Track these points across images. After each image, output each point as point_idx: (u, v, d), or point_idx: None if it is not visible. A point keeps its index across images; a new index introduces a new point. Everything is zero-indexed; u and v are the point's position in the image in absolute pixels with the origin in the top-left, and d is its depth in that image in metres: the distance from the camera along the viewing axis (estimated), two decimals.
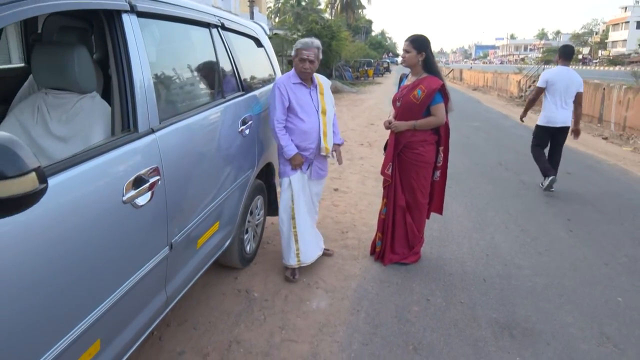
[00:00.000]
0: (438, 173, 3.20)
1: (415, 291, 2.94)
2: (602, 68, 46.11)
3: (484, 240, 3.80)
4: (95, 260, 1.38)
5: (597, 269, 3.31)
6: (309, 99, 2.89)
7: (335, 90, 20.01)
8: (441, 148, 3.13)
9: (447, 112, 3.05)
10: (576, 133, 5.25)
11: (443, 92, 2.98)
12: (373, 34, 67.77)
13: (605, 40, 72.30)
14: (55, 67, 1.70)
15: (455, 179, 5.71)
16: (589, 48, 74.21)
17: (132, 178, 1.52)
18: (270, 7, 42.18)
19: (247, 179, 2.77)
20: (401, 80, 3.27)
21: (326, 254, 3.35)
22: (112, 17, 1.62)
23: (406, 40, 3.03)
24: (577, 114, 5.07)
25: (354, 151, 7.46)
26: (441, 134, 3.10)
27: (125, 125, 1.63)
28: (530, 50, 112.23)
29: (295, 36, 23.25)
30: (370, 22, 62.31)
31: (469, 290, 2.97)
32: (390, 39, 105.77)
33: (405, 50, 3.02)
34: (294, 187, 2.95)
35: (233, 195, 2.58)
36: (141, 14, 1.75)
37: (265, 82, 3.30)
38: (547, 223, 4.23)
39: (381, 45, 57.88)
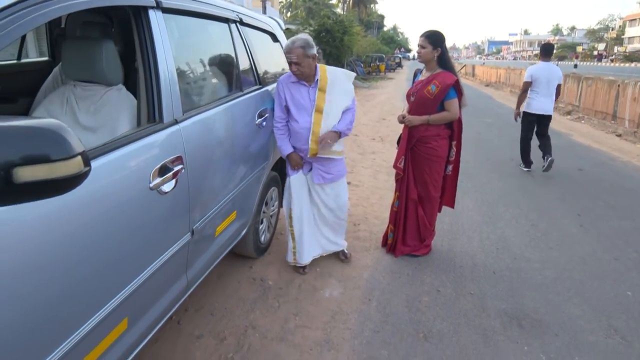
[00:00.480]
0: (450, 167, 3.25)
1: (426, 282, 3.00)
2: (613, 64, 45.32)
3: (494, 234, 3.84)
4: (125, 243, 1.46)
5: (606, 263, 3.34)
6: (305, 98, 2.75)
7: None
8: (454, 142, 3.17)
9: (460, 107, 3.09)
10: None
11: (457, 88, 3.02)
12: (385, 29, 67.42)
13: (622, 36, 71.12)
14: (84, 61, 1.78)
15: (467, 174, 5.74)
16: (604, 44, 73.08)
17: (158, 166, 1.60)
18: (282, 2, 42.16)
19: (263, 170, 2.85)
20: (415, 75, 3.31)
21: (342, 259, 3.26)
22: (139, 13, 1.70)
23: (422, 36, 3.07)
24: (554, 99, 5.89)
25: (366, 146, 7.51)
26: (454, 129, 3.14)
27: (151, 116, 1.71)
28: None
29: (307, 31, 23.29)
30: (382, 17, 62.00)
31: (478, 282, 3.02)
32: (402, 34, 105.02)
33: (421, 46, 3.06)
34: (292, 188, 2.94)
35: (250, 186, 2.66)
36: (166, 10, 1.82)
37: (280, 76, 3.36)
38: (558, 218, 4.25)
39: (393, 41, 57.59)
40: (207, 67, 2.43)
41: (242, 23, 2.72)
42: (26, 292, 1.11)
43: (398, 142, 3.35)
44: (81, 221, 1.27)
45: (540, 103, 5.76)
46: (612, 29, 77.79)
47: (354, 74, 2.94)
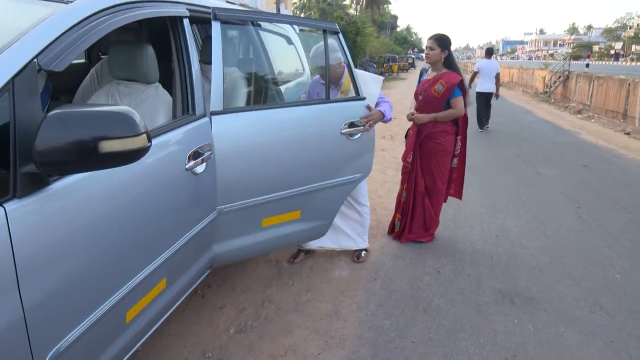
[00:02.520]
0: (456, 160, 3.51)
1: (428, 265, 3.26)
2: (632, 64, 44.71)
3: (495, 224, 4.07)
4: (167, 213, 1.76)
5: (600, 250, 3.56)
6: None
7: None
8: (459, 138, 3.44)
9: (466, 105, 3.37)
10: (496, 96, 8.91)
11: (462, 87, 3.29)
12: (399, 29, 67.47)
13: None
14: (128, 62, 2.09)
15: (473, 169, 5.97)
16: (622, 43, 72.03)
17: (193, 151, 1.89)
18: (295, 4, 42.58)
19: (354, 181, 2.84)
20: (421, 75, 3.59)
21: (355, 261, 3.25)
22: (175, 22, 2.00)
23: (431, 39, 3.34)
24: (497, 86, 8.76)
25: (377, 143, 7.75)
26: (460, 125, 3.41)
27: (186, 109, 2.00)
28: (560, 46, 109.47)
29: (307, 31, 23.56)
30: (395, 17, 62.10)
31: (476, 265, 3.27)
32: (416, 34, 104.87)
33: (430, 48, 3.33)
34: None
35: (330, 192, 2.69)
36: (196, 20, 2.12)
37: (295, 76, 3.66)
38: (558, 210, 4.47)
39: (406, 41, 57.68)
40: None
41: (261, 28, 3.01)
42: (97, 242, 1.41)
43: (406, 137, 3.64)
44: (136, 191, 1.57)
45: (484, 85, 8.83)
46: (630, 28, 76.59)
47: (381, 79, 3.06)
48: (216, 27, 2.11)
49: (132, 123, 1.18)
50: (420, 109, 3.45)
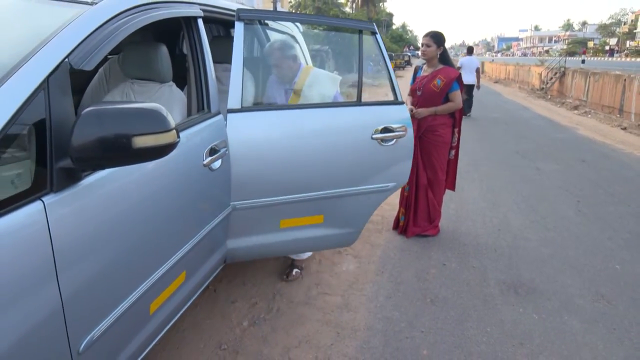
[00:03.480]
0: (453, 152, 3.60)
1: (433, 258, 3.33)
2: (627, 59, 44.97)
3: (497, 217, 4.15)
4: (187, 206, 1.82)
5: (600, 242, 3.64)
6: (282, 98, 2.77)
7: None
8: (456, 130, 3.54)
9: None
10: (477, 87, 10.30)
11: (459, 81, 3.42)
12: (394, 27, 67.53)
13: (634, 31, 70.39)
14: (143, 61, 2.14)
15: (474, 165, 6.05)
16: (616, 39, 72.39)
17: (209, 147, 1.95)
18: (291, 2, 42.56)
19: (386, 189, 2.65)
20: (416, 72, 3.70)
21: (284, 279, 2.99)
22: (190, 22, 2.05)
23: (426, 36, 3.44)
24: (477, 78, 10.16)
25: None
26: (456, 117, 3.52)
27: (201, 107, 2.06)
28: (555, 42, 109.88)
29: (316, 31, 23.64)
30: (391, 15, 62.16)
31: (480, 257, 3.34)
32: (411, 32, 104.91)
33: (427, 45, 3.42)
34: None
35: (358, 200, 2.56)
36: (209, 20, 2.18)
37: None
38: (558, 204, 4.55)
39: (402, 39, 57.72)
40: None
41: (268, 27, 3.06)
42: (125, 234, 1.47)
43: None
44: (160, 185, 1.63)
45: (466, 78, 9.55)
46: (624, 24, 77.00)
47: (339, 78, 2.85)
48: (239, 27, 2.16)
49: (163, 119, 1.24)
50: (418, 103, 3.53)
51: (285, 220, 2.42)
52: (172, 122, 1.27)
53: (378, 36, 2.58)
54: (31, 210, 1.14)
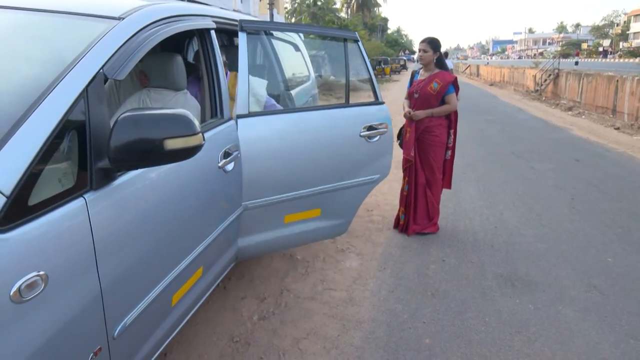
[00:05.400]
0: (449, 152, 3.76)
1: (433, 254, 3.47)
2: (619, 60, 45.41)
3: (493, 216, 4.29)
4: (204, 205, 1.95)
5: (593, 237, 3.79)
6: None
7: (353, 89, 20.49)
8: (451, 131, 3.69)
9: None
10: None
11: (455, 84, 3.60)
12: (389, 31, 67.98)
13: (627, 32, 71.03)
14: (159, 70, 2.28)
15: (471, 166, 6.21)
16: (609, 40, 73.02)
17: (224, 150, 2.08)
18: (287, 8, 42.85)
19: (372, 181, 2.92)
20: (413, 76, 3.86)
21: None
22: (203, 33, 2.20)
23: (423, 42, 3.61)
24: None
25: None
26: (452, 119, 3.68)
27: (214, 113, 2.20)
28: (549, 44, 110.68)
29: (311, 36, 23.87)
30: (386, 19, 62.58)
31: (478, 253, 3.48)
32: (406, 36, 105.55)
33: (424, 50, 3.59)
34: None
35: (349, 192, 2.80)
36: (221, 31, 2.32)
37: (302, 80, 3.87)
38: (552, 201, 4.70)
39: (397, 43, 58.12)
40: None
41: (272, 36, 3.22)
42: (153, 229, 1.60)
43: (398, 136, 3.89)
44: (181, 185, 1.76)
45: None
46: (617, 25, 77.68)
47: (265, 82, 2.94)
48: (242, 37, 2.31)
49: (191, 124, 1.38)
50: (416, 106, 3.69)
51: (289, 215, 2.60)
52: (199, 126, 1.40)
53: (360, 43, 2.86)
54: (75, 206, 1.27)
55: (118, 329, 1.46)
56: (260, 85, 2.89)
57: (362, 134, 2.73)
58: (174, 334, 1.93)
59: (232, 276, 3.12)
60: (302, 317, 2.67)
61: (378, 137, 2.80)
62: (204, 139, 1.43)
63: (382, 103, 2.90)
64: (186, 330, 2.52)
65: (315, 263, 3.33)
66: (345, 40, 2.79)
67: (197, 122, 1.40)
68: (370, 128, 2.76)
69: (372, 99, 2.89)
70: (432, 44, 3.59)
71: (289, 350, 2.37)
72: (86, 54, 1.42)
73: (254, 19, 2.62)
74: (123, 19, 1.62)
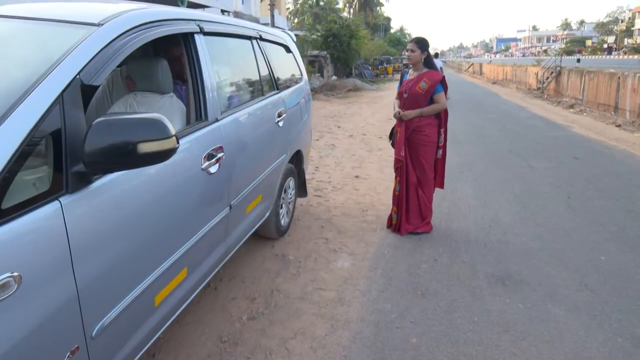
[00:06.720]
0: (440, 151, 3.77)
1: (425, 254, 3.48)
2: (623, 57, 45.07)
3: (488, 215, 4.29)
4: (187, 208, 1.97)
5: (587, 235, 3.78)
6: None
7: (355, 88, 20.54)
8: (442, 130, 3.70)
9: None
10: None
11: (443, 83, 3.61)
12: (392, 31, 67.88)
13: (632, 28, 70.52)
14: (145, 74, 2.30)
15: (468, 164, 6.20)
16: (614, 37, 72.54)
17: (207, 152, 2.11)
18: (289, 9, 42.90)
19: (282, 161, 3.35)
20: (402, 76, 3.88)
21: None
22: (187, 38, 2.22)
23: (411, 42, 3.64)
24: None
25: (373, 144, 8.00)
26: (441, 118, 3.70)
27: (199, 115, 2.22)
28: (554, 41, 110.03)
29: (314, 36, 23.89)
30: (388, 19, 62.56)
31: (471, 252, 3.49)
32: (409, 35, 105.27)
33: (412, 50, 3.61)
34: None
35: (272, 174, 3.16)
36: (206, 34, 2.34)
37: (294, 81, 3.89)
38: (548, 200, 4.69)
39: (400, 42, 57.98)
40: (238, 76, 2.96)
41: (261, 39, 3.23)
42: (132, 231, 1.63)
43: (390, 136, 3.91)
44: (161, 188, 1.78)
45: None
46: (622, 21, 77.12)
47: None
48: (202, 39, 2.33)
49: (164, 127, 1.40)
50: (405, 105, 3.71)
51: (248, 206, 2.81)
52: (173, 130, 1.43)
53: (257, 41, 3.17)
54: (50, 209, 1.30)
55: (96, 329, 1.48)
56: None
57: (276, 120, 3.22)
58: (158, 334, 1.96)
59: (223, 277, 3.14)
60: (291, 317, 2.69)
61: (283, 121, 3.31)
62: (178, 142, 1.45)
63: (283, 90, 3.47)
64: (175, 331, 2.55)
65: (307, 263, 3.35)
66: (250, 38, 3.05)
67: (170, 126, 1.43)
68: (279, 114, 3.26)
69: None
70: (419, 43, 3.61)
71: (276, 350, 2.39)
72: (63, 61, 1.44)
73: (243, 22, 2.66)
74: (102, 25, 1.65)
